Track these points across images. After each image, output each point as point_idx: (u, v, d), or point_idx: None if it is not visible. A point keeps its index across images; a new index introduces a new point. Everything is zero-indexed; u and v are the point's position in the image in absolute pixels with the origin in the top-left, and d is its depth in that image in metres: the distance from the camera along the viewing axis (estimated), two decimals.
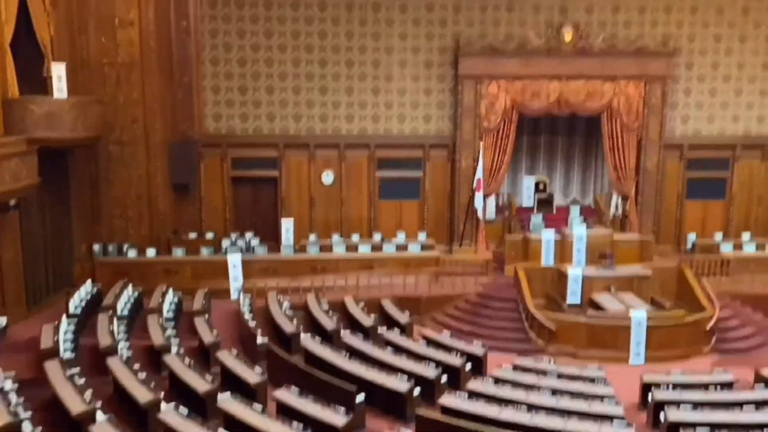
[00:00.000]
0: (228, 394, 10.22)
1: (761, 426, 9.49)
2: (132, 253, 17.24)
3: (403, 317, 15.17)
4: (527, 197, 21.23)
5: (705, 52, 19.51)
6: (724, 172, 20.11)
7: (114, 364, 11.20)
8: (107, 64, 17.03)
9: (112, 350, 11.88)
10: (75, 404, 9.59)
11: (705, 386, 11.39)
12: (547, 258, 17.03)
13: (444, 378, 11.80)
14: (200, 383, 10.64)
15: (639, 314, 14.00)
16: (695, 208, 20.24)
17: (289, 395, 10.34)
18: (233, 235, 18.87)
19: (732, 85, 19.73)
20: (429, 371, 11.71)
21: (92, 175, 17.34)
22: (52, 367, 10.82)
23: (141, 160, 17.61)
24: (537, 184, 21.12)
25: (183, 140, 18.72)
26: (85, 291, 15.21)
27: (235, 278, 16.73)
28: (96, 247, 17.25)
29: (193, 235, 18.79)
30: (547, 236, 17.17)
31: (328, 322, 14.31)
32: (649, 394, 11.08)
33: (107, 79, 17.08)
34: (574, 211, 19.92)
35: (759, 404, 10.47)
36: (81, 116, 15.09)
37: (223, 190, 19.54)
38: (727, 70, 19.64)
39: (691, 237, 19.56)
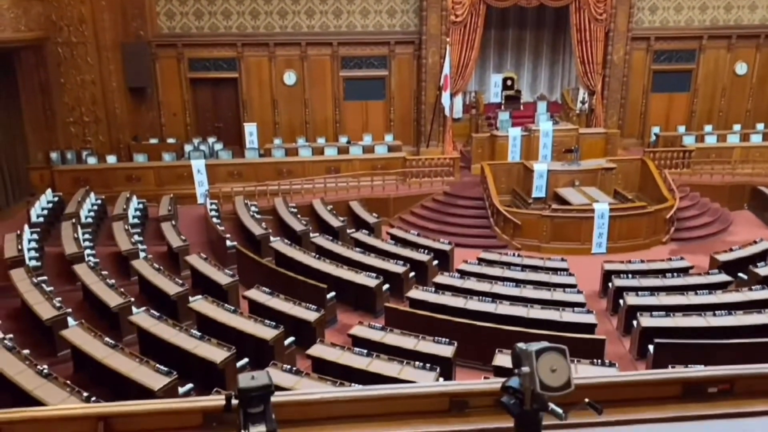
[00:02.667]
0: (199, 296, 10.31)
1: (713, 306, 9.96)
2: (92, 160, 16.78)
3: (371, 218, 15.27)
4: (495, 94, 21.05)
5: None
6: (690, 64, 20.05)
7: (81, 270, 11.13)
8: None
9: (79, 257, 11.77)
10: (45, 310, 9.58)
11: (662, 273, 11.84)
12: (514, 154, 17.11)
13: (412, 274, 12.06)
14: (171, 286, 10.68)
15: (601, 206, 14.30)
16: (660, 101, 20.31)
17: (260, 294, 10.47)
18: (195, 140, 18.45)
19: None
20: (397, 268, 11.93)
21: (42, 79, 16.53)
22: (18, 276, 10.72)
23: (93, 62, 16.79)
24: (505, 81, 20.89)
25: (135, 41, 17.82)
26: (45, 199, 14.90)
27: (200, 183, 16.51)
28: (53, 154, 16.73)
29: (154, 141, 18.31)
30: (514, 133, 17.17)
31: (297, 224, 14.34)
32: (610, 282, 11.50)
33: None
34: (541, 107, 19.86)
35: (712, 287, 10.98)
36: (23, 15, 14.19)
37: (181, 93, 18.86)
38: None
39: (655, 130, 19.77)
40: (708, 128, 19.52)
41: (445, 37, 18.28)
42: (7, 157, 15.68)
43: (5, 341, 8.40)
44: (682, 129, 19.69)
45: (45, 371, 7.67)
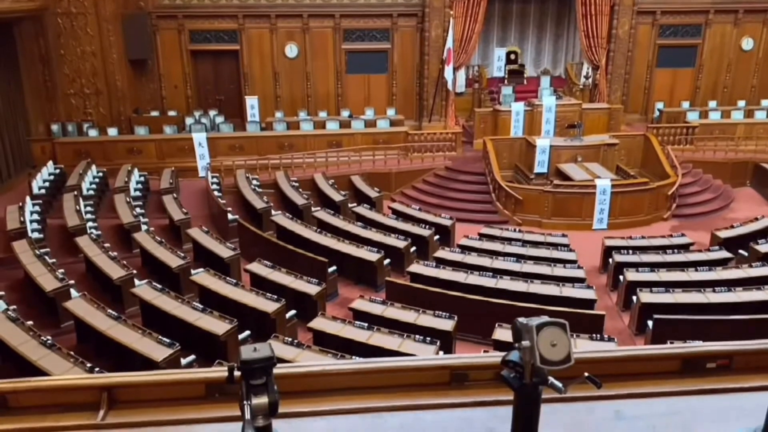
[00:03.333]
0: (201, 269, 10.35)
1: (713, 283, 9.99)
2: (93, 133, 16.72)
3: (372, 192, 15.26)
4: (498, 68, 20.87)
5: None
6: (696, 38, 19.82)
7: (84, 242, 11.16)
8: None
9: (81, 229, 11.80)
10: (48, 282, 9.64)
11: (663, 249, 11.86)
12: (516, 129, 17.03)
13: (413, 248, 12.08)
14: (173, 259, 10.72)
15: (603, 182, 14.27)
16: (664, 77, 20.13)
17: (262, 268, 10.51)
18: (197, 113, 18.35)
19: None
20: (398, 242, 11.95)
21: (42, 50, 16.39)
22: (20, 247, 10.76)
23: (93, 33, 16.63)
24: (508, 55, 20.70)
25: (136, 12, 17.62)
26: (47, 171, 14.89)
27: (202, 156, 16.46)
28: (54, 126, 16.66)
29: (155, 114, 18.21)
30: (517, 108, 17.07)
31: (298, 198, 14.34)
32: (610, 258, 11.52)
33: None
34: (545, 82, 19.70)
35: (712, 264, 11.00)
36: None
37: (182, 65, 18.70)
38: None
39: (659, 105, 19.64)
40: (712, 104, 19.40)
41: (449, 10, 18.07)
42: (8, 129, 15.62)
43: (9, 312, 8.47)
44: (686, 105, 19.57)
45: (49, 342, 7.74)
